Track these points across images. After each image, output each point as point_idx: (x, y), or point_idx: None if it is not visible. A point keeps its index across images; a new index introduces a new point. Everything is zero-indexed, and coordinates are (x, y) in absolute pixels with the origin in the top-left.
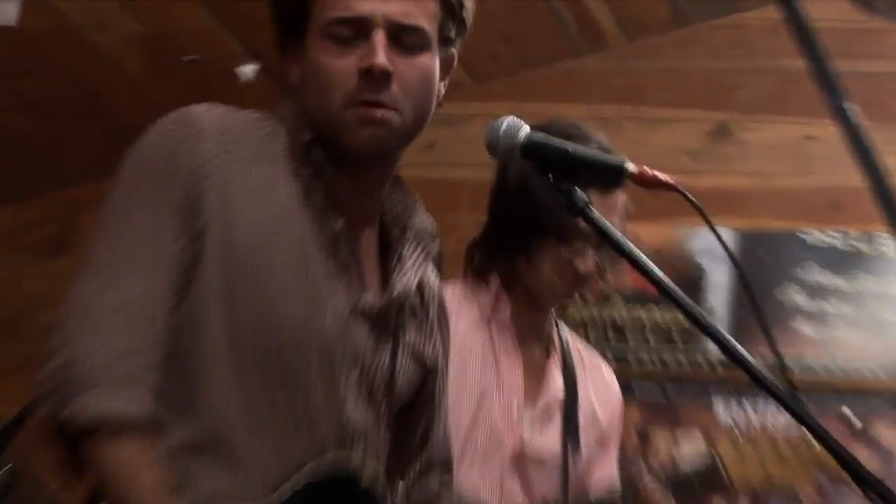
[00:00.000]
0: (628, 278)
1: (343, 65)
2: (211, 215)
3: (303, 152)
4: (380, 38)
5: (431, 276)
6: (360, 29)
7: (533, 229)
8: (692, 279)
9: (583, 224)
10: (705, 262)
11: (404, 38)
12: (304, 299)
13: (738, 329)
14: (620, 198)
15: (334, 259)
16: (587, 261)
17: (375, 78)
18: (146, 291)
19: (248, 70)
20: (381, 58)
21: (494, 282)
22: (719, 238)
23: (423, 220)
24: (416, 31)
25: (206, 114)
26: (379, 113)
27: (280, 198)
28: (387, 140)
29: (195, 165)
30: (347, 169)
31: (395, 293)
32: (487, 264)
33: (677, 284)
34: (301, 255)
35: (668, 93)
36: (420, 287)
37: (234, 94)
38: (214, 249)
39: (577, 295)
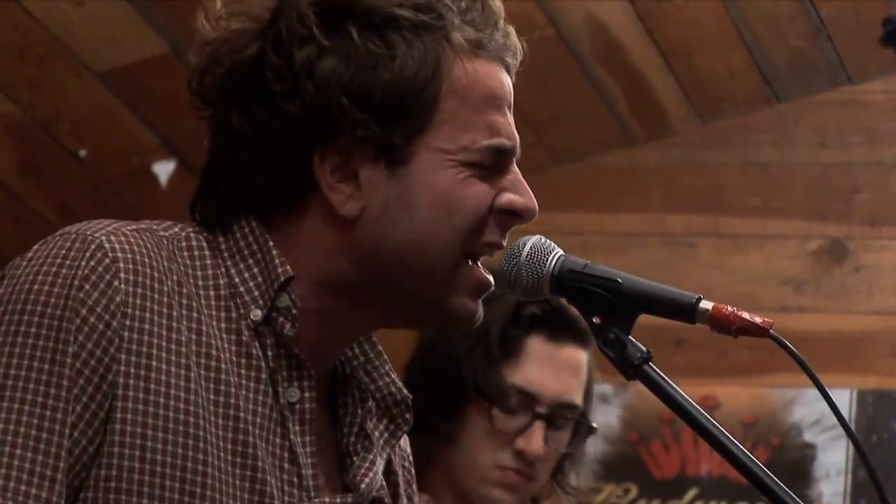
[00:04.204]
0: (706, 462)
1: (481, 198)
2: (123, 392)
3: (265, 294)
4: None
5: (397, 458)
6: (502, 160)
7: (457, 390)
8: (798, 463)
9: (534, 386)
10: (816, 439)
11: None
12: None
13: None
14: (577, 356)
15: (282, 446)
16: (533, 440)
17: (518, 221)
18: (24, 500)
19: (165, 168)
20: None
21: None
22: (832, 404)
23: (388, 382)
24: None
25: (113, 239)
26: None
27: (212, 359)
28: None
29: (107, 314)
30: (336, 320)
31: (360, 494)
32: None
33: (776, 470)
34: (242, 450)
35: (759, 197)
36: (387, 473)
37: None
38: (125, 444)
39: (515, 494)
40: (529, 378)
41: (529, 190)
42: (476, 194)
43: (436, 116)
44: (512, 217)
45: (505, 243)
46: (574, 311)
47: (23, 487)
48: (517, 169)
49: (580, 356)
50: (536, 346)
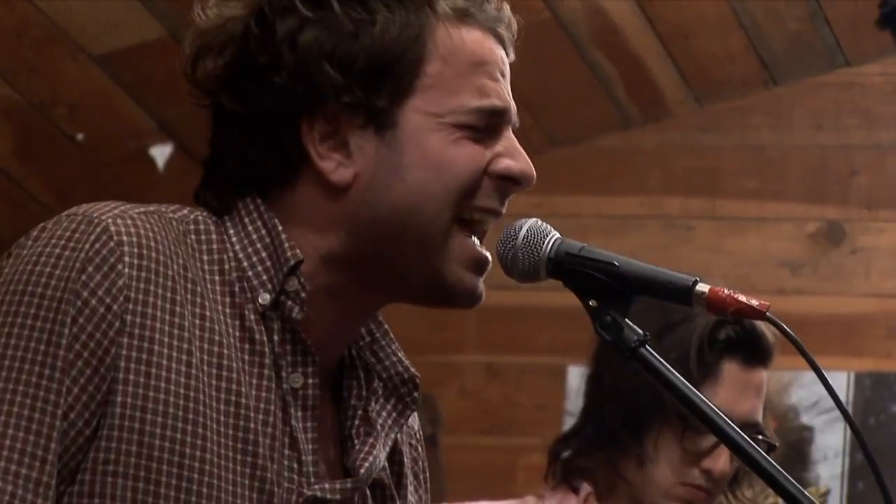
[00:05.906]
0: None
1: (474, 160)
2: (123, 376)
3: (272, 278)
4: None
5: (404, 436)
6: (495, 121)
7: (651, 410)
8: (795, 445)
9: (725, 408)
10: (813, 421)
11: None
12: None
13: None
14: (763, 377)
15: (283, 432)
16: (721, 459)
17: (515, 187)
18: (14, 480)
19: (162, 151)
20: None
21: (584, 490)
22: (828, 387)
23: (395, 362)
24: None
25: (119, 222)
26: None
27: (215, 344)
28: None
29: (108, 297)
30: (344, 299)
31: (359, 479)
32: (578, 464)
33: (774, 454)
34: (244, 435)
35: (757, 179)
36: (392, 453)
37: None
38: (124, 428)
39: None
40: (722, 401)
41: (526, 156)
42: (468, 155)
43: (420, 80)
44: (509, 183)
45: (504, 210)
46: (765, 333)
47: (13, 467)
48: (513, 136)
49: (764, 376)
50: (731, 370)
